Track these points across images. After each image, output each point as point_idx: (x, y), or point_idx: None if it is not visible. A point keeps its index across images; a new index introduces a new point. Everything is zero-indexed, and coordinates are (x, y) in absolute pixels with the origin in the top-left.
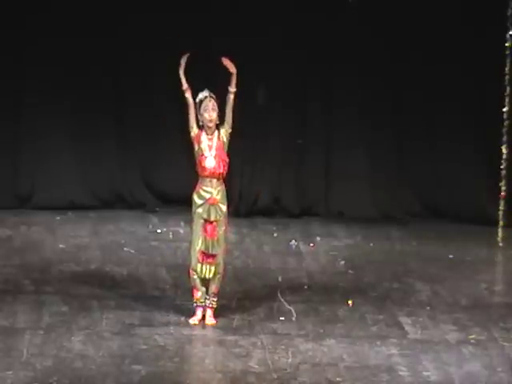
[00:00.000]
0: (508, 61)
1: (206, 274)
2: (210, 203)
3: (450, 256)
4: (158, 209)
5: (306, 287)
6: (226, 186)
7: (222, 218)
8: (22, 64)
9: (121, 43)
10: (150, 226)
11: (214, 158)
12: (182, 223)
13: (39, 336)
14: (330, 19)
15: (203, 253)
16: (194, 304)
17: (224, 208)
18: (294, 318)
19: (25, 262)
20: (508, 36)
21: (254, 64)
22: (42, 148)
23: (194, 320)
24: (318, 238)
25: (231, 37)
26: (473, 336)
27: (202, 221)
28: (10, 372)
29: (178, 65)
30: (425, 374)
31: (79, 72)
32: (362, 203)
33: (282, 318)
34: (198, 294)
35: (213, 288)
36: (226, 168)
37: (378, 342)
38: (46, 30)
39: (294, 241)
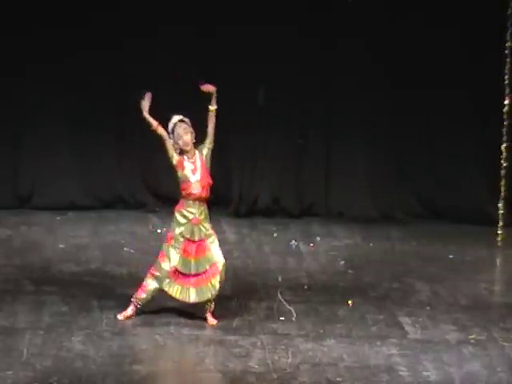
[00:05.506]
0: (508, 61)
1: (174, 293)
2: (194, 223)
3: (450, 256)
4: (157, 209)
5: (305, 287)
6: (220, 191)
7: (208, 233)
8: (22, 64)
9: (121, 43)
10: (150, 226)
11: (200, 182)
12: None
13: (39, 336)
14: (332, 19)
15: (178, 271)
16: (132, 300)
17: (207, 225)
18: (293, 318)
19: (25, 262)
20: (508, 36)
21: (255, 64)
22: (42, 148)
23: (121, 316)
24: (318, 238)
25: (232, 37)
26: (473, 336)
27: (183, 239)
28: (10, 372)
29: (139, 109)
30: (425, 373)
31: (80, 72)
32: (362, 203)
33: (282, 318)
34: (143, 296)
35: (212, 305)
36: (209, 191)
37: (378, 342)
38: (46, 30)
39: (294, 241)
